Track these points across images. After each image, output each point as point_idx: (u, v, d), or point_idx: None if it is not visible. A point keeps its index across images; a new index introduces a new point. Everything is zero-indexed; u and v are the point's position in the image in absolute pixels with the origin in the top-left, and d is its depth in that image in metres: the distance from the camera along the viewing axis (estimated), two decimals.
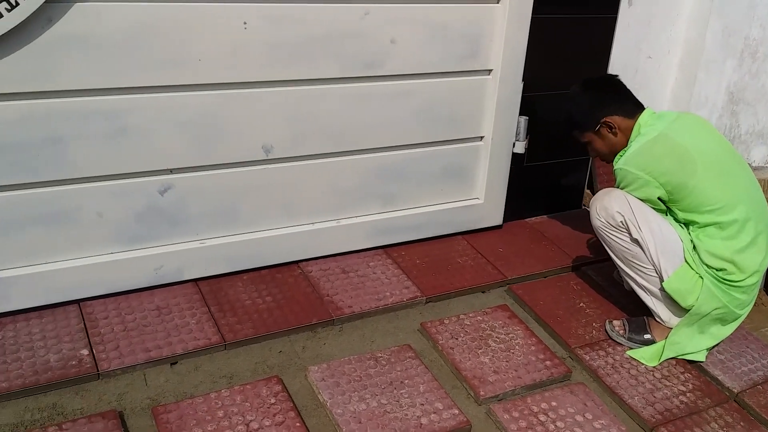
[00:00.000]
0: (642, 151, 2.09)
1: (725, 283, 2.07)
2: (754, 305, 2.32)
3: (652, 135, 2.09)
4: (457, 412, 1.89)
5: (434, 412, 1.88)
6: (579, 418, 1.92)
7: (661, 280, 2.10)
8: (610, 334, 2.25)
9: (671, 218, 2.14)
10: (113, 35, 1.91)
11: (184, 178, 2.18)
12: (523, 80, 2.58)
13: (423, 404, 1.90)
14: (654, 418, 1.96)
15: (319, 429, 1.82)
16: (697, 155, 2.04)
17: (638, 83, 3.12)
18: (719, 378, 2.12)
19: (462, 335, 2.20)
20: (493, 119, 2.59)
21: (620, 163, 2.13)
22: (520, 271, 2.58)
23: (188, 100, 2.09)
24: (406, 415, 1.86)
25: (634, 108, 2.18)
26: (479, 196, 2.75)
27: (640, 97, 2.23)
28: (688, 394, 2.05)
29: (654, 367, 2.14)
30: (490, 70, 2.54)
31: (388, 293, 2.37)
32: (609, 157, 2.23)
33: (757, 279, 2.11)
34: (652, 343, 2.20)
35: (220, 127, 2.16)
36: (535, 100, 2.67)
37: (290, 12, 2.11)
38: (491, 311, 2.33)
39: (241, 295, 2.28)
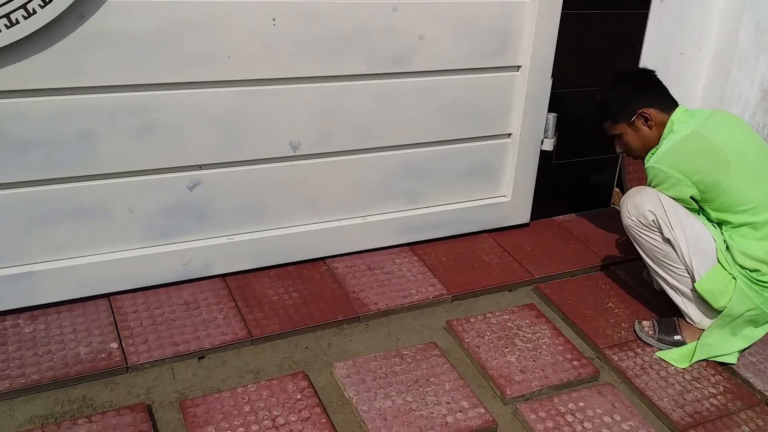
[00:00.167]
0: (674, 149, 2.06)
1: (759, 284, 2.03)
2: None
3: (684, 132, 2.06)
4: (483, 411, 1.88)
5: (460, 411, 1.87)
6: (607, 419, 1.90)
7: (693, 280, 2.07)
8: (640, 335, 2.22)
9: (704, 218, 2.11)
10: (144, 31, 1.93)
11: (212, 174, 2.20)
12: (552, 76, 2.55)
13: (449, 402, 1.90)
14: (684, 420, 1.93)
15: (345, 425, 1.82)
16: (731, 153, 2.01)
17: (669, 80, 3.05)
18: (751, 380, 2.08)
19: (488, 334, 2.18)
20: (521, 116, 2.56)
21: (651, 161, 2.09)
22: (547, 270, 2.55)
23: (217, 96, 2.10)
24: (432, 413, 1.86)
25: (670, 103, 2.14)
26: (506, 194, 2.72)
27: (672, 93, 2.19)
28: (718, 397, 2.02)
29: (684, 368, 2.11)
30: (519, 66, 2.51)
31: (413, 291, 2.36)
32: (638, 153, 2.20)
33: None
34: (682, 345, 2.16)
35: (248, 123, 2.17)
36: (564, 97, 2.65)
37: (319, 8, 2.11)
38: (518, 310, 2.32)
39: (267, 290, 2.29)
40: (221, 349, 2.03)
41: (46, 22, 1.77)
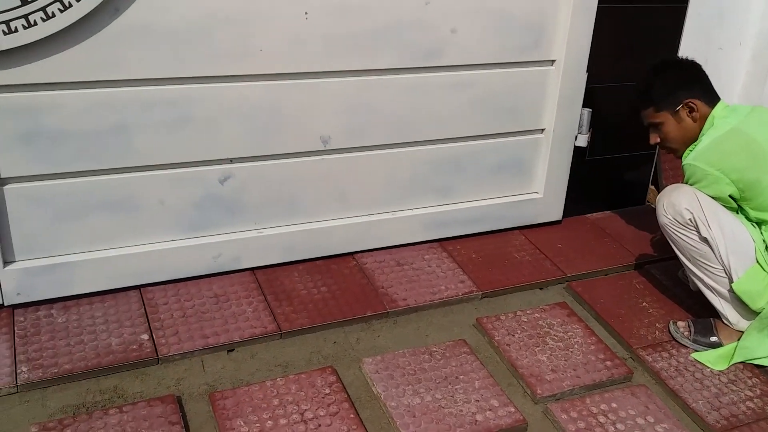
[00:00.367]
0: (713, 147, 2.01)
1: None
2: None
3: (724, 129, 2.00)
4: (513, 409, 1.85)
5: (489, 409, 1.85)
6: (640, 420, 1.86)
7: (731, 281, 2.02)
8: (675, 336, 2.17)
9: (742, 217, 2.05)
10: (178, 25, 1.93)
11: (243, 167, 2.20)
12: (587, 71, 2.51)
13: (478, 400, 1.88)
14: (719, 423, 1.88)
15: (373, 421, 1.81)
16: None
17: (708, 75, 3.00)
18: None
19: (519, 332, 2.16)
20: (554, 111, 2.53)
21: (690, 158, 2.05)
22: (579, 268, 2.51)
23: (249, 90, 2.10)
24: (461, 410, 1.84)
25: (713, 98, 2.09)
26: (538, 190, 2.69)
27: None
28: (755, 400, 1.97)
29: (720, 371, 2.06)
30: (553, 61, 2.47)
31: (443, 287, 2.34)
32: (675, 145, 2.14)
33: None
34: (718, 346, 2.11)
35: (279, 117, 2.17)
36: (599, 92, 2.60)
37: (351, 2, 2.10)
38: (549, 308, 2.28)
39: (296, 284, 2.29)
40: (250, 342, 2.04)
41: (82, 15, 1.79)
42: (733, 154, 1.98)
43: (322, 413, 1.79)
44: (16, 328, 1.98)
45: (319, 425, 1.75)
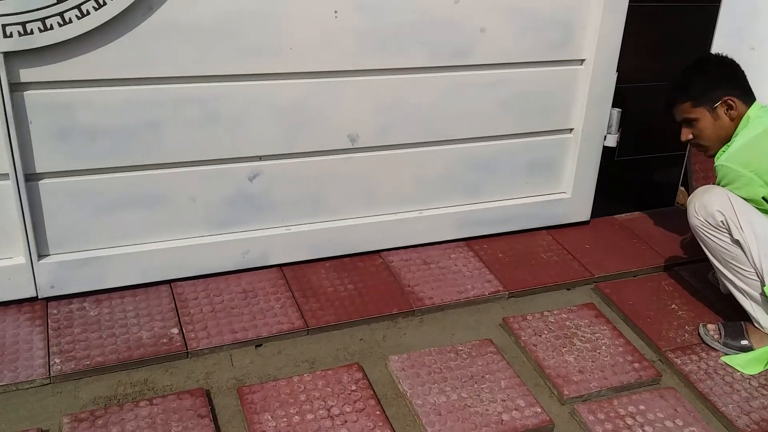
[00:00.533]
0: (746, 147, 1.98)
1: None
2: None
3: (758, 130, 1.98)
4: (539, 410, 1.85)
5: (516, 409, 1.85)
6: (669, 423, 1.84)
7: (763, 284, 1.99)
8: (704, 339, 2.15)
9: None
10: (210, 23, 1.96)
11: (272, 165, 2.22)
12: (616, 70, 2.49)
13: (504, 400, 1.87)
14: (749, 428, 1.85)
15: (399, 418, 1.82)
16: None
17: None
18: None
19: (545, 332, 2.15)
20: (584, 111, 2.51)
21: (722, 159, 2.02)
22: (607, 269, 2.49)
23: (279, 88, 2.12)
24: (487, 410, 1.84)
25: (750, 98, 2.06)
26: (566, 191, 2.67)
27: None
28: None
29: (751, 375, 2.03)
30: (583, 60, 2.46)
31: (469, 286, 2.34)
32: (709, 143, 2.11)
33: None
34: (749, 350, 2.08)
35: (308, 115, 2.19)
36: (629, 92, 2.58)
37: (380, 0, 2.10)
38: (577, 309, 2.27)
39: (323, 281, 2.30)
40: (278, 337, 2.06)
41: (116, 13, 1.82)
42: (767, 155, 1.95)
43: (348, 409, 1.80)
44: (49, 321, 2.02)
45: (345, 421, 1.76)
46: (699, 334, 2.17)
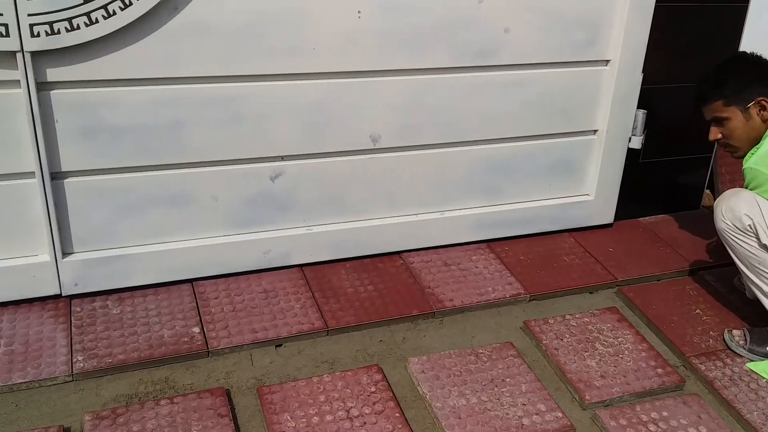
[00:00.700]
0: None
1: None
2: None
3: None
4: (560, 415, 1.83)
5: (536, 414, 1.83)
6: (692, 430, 1.82)
7: None
8: (729, 345, 2.12)
9: None
10: (234, 23, 1.96)
11: (294, 165, 2.22)
12: (642, 72, 2.46)
13: (525, 404, 1.86)
14: None
15: (418, 421, 1.81)
16: None
17: None
18: None
19: (567, 336, 2.13)
20: (608, 112, 2.48)
21: (750, 162, 1.98)
22: (631, 273, 2.47)
23: (301, 88, 2.12)
24: (507, 414, 1.83)
25: None
26: (589, 193, 2.65)
27: None
28: None
29: None
30: (608, 61, 2.43)
31: (490, 288, 2.33)
32: (739, 143, 2.06)
33: None
34: None
35: (330, 115, 2.19)
36: (654, 93, 2.55)
37: (403, 1, 2.10)
38: (599, 313, 2.25)
39: (343, 282, 2.30)
40: (298, 338, 2.06)
41: (142, 13, 1.84)
42: None
43: (367, 411, 1.80)
44: (72, 318, 2.04)
45: (365, 423, 1.76)
46: (724, 339, 2.14)
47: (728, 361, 2.07)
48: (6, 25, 1.74)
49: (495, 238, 2.58)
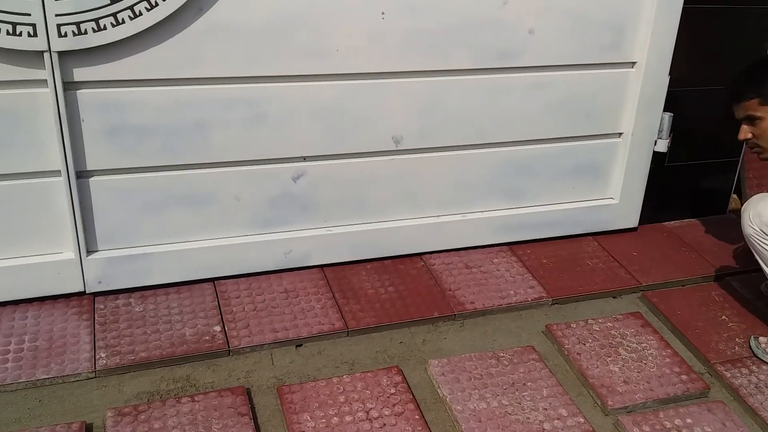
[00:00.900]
0: None
1: None
2: None
3: None
4: (582, 420, 1.81)
5: (558, 418, 1.81)
6: None
7: None
8: (755, 351, 2.08)
9: None
10: (257, 25, 1.97)
11: (316, 165, 2.23)
12: (669, 74, 2.42)
13: (546, 409, 1.84)
14: None
15: (438, 424, 1.80)
16: None
17: None
18: None
19: (590, 341, 2.10)
20: (634, 115, 2.45)
21: None
22: (655, 278, 2.43)
23: (324, 89, 2.12)
24: (528, 418, 1.81)
25: None
26: (614, 196, 2.62)
27: None
28: None
29: None
30: (634, 63, 2.40)
31: (511, 291, 2.31)
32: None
33: None
34: None
35: (352, 116, 2.19)
36: (681, 96, 2.51)
37: (427, 2, 2.09)
38: (622, 318, 2.22)
39: (364, 283, 2.30)
40: (318, 338, 2.06)
41: (168, 14, 1.85)
42: None
43: (387, 413, 1.79)
44: (96, 315, 2.07)
45: (384, 424, 1.75)
46: (750, 346, 2.11)
47: (754, 368, 2.04)
48: (34, 25, 1.77)
49: (517, 240, 2.56)
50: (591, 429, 1.79)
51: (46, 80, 1.85)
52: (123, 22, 1.82)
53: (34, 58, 1.82)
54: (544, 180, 2.52)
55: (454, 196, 2.44)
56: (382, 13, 2.06)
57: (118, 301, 2.13)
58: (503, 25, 2.20)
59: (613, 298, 2.37)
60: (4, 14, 1.74)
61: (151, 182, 2.08)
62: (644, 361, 2.03)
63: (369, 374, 1.92)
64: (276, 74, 2.05)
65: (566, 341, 2.10)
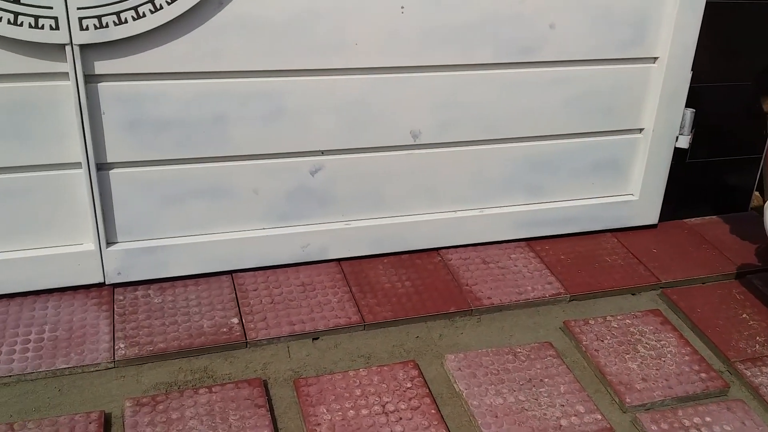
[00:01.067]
0: None
1: None
2: None
3: None
4: (599, 417, 1.80)
5: (575, 415, 1.80)
6: None
7: None
8: None
9: None
10: (277, 19, 1.97)
11: (334, 159, 2.23)
12: (691, 70, 2.39)
13: (563, 405, 1.83)
14: None
15: (454, 418, 1.80)
16: None
17: None
18: None
19: (608, 338, 2.09)
20: (655, 111, 2.43)
21: None
22: (675, 275, 2.41)
23: (343, 83, 2.12)
24: (545, 414, 1.80)
25: None
26: (634, 192, 2.59)
27: None
28: None
29: None
30: (656, 58, 2.38)
31: (529, 287, 2.30)
32: None
33: None
34: None
35: (371, 110, 2.18)
36: (703, 92, 2.48)
37: None
38: (641, 315, 2.20)
39: (381, 277, 2.30)
40: (335, 331, 2.06)
41: (188, 7, 1.86)
42: None
43: (403, 406, 1.79)
44: (115, 306, 2.09)
45: (400, 418, 1.76)
46: None
47: None
48: (56, 18, 1.79)
49: (535, 236, 2.55)
50: (608, 426, 1.78)
51: (67, 73, 1.87)
52: (144, 15, 1.84)
53: (55, 50, 1.84)
54: (563, 176, 2.50)
55: (472, 191, 2.43)
56: (402, 8, 2.06)
57: (137, 292, 2.15)
58: (523, 20, 2.18)
59: (632, 294, 2.35)
60: (27, 7, 1.75)
61: (170, 175, 2.09)
62: (663, 359, 2.02)
63: (385, 368, 1.92)
64: (295, 68, 2.05)
65: (584, 338, 2.08)
